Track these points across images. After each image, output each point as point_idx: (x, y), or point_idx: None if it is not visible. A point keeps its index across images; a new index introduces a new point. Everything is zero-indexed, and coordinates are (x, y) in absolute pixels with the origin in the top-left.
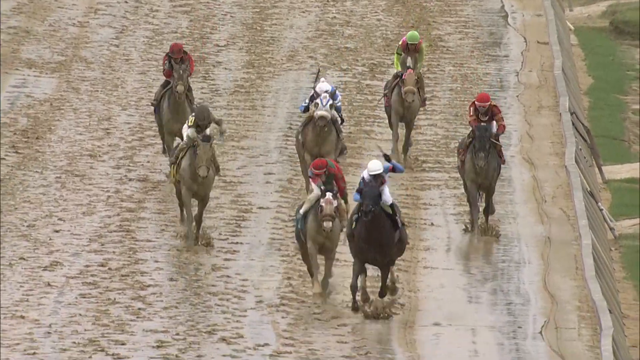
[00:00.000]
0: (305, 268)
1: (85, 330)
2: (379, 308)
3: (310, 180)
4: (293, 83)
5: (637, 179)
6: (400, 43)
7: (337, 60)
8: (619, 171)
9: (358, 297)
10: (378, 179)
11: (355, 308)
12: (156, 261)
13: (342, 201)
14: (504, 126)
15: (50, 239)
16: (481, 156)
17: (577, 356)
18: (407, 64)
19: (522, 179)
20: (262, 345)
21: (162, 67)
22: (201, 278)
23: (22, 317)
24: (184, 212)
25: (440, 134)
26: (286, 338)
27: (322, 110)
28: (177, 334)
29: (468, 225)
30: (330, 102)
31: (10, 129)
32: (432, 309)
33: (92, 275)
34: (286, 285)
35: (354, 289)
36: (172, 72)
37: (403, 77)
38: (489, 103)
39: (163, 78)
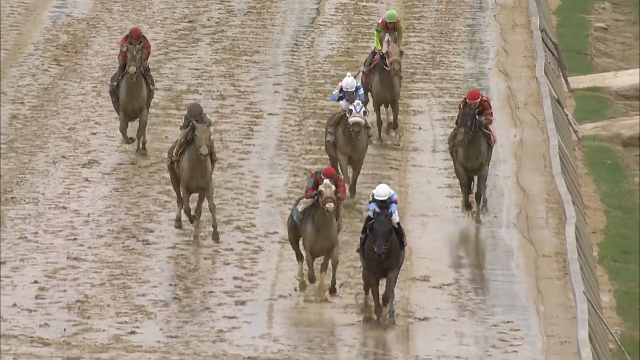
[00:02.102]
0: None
1: (118, 219)
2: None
3: (311, 179)
4: (298, 4)
5: (598, 87)
6: (379, 22)
7: None
8: (582, 81)
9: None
10: (385, 204)
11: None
12: None
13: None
14: (490, 120)
15: (87, 140)
16: (461, 131)
17: (544, 242)
18: (387, 41)
19: (499, 89)
20: (272, 233)
21: (120, 49)
22: (219, 175)
23: (64, 207)
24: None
25: (427, 49)
26: None
27: (356, 117)
28: (199, 223)
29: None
30: (364, 109)
31: (52, 44)
32: (419, 202)
33: (124, 172)
34: (292, 182)
35: (377, 310)
36: (127, 54)
37: (387, 52)
38: (479, 99)
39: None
